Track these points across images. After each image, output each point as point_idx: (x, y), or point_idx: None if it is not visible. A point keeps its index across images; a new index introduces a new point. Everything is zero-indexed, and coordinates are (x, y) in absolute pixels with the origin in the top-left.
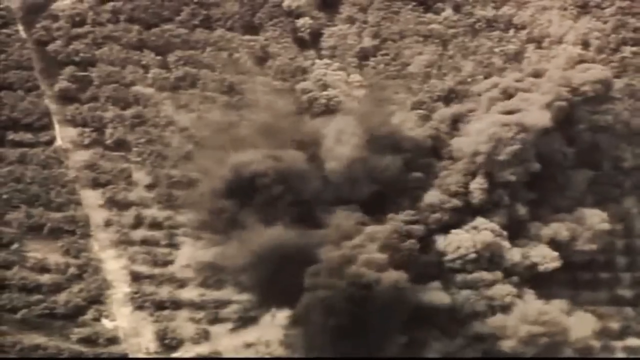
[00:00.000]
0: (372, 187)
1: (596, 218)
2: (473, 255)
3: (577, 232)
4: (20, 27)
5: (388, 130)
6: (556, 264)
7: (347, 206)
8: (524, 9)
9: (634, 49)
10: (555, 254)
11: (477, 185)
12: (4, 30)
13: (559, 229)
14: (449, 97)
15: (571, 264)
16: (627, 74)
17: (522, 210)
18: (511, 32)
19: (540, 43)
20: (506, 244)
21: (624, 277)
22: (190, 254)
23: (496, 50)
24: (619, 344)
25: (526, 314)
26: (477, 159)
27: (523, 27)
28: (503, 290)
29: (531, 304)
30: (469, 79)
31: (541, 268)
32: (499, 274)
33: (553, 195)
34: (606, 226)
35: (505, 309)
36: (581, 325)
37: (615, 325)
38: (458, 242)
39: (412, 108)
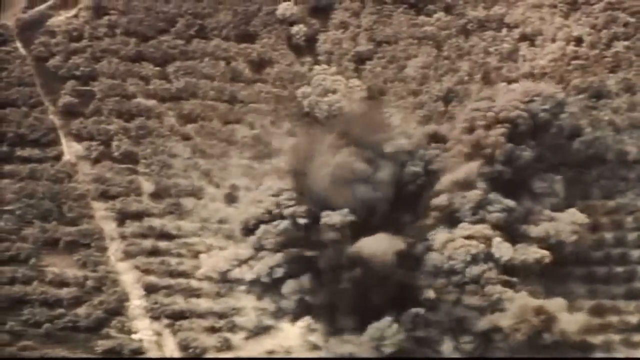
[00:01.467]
0: (365, 192)
1: (578, 216)
2: (470, 256)
3: (562, 229)
4: (18, 44)
5: (379, 136)
6: (547, 260)
7: (340, 211)
8: (514, 8)
9: (626, 43)
10: (546, 252)
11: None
12: (3, 48)
13: (548, 227)
14: (448, 97)
15: (585, 259)
16: (621, 69)
17: (514, 211)
18: (504, 31)
19: (533, 41)
20: (501, 244)
21: (639, 271)
22: (211, 263)
23: (490, 49)
24: (637, 337)
25: (522, 309)
26: None
27: (515, 26)
28: (499, 288)
29: (526, 299)
30: (467, 78)
31: (534, 265)
32: (495, 273)
33: (538, 199)
34: (586, 221)
35: (503, 306)
36: (572, 321)
37: (633, 319)
38: (455, 243)
39: (412, 109)
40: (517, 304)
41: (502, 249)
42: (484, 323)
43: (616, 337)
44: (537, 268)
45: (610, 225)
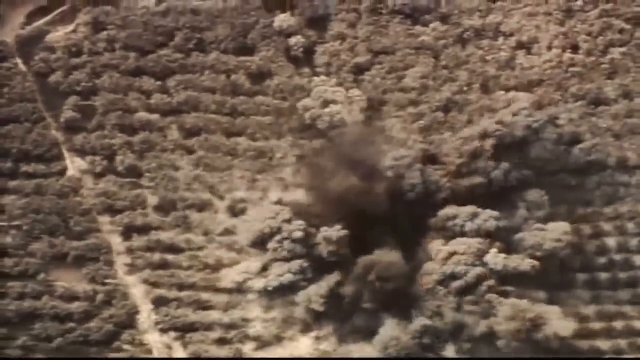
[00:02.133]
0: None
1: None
2: (465, 264)
3: (549, 238)
4: (18, 60)
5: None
6: (535, 268)
7: (332, 227)
8: (509, 16)
9: (622, 49)
10: (535, 262)
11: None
12: (4, 64)
13: (538, 238)
14: (447, 107)
15: (589, 265)
16: (618, 75)
17: (505, 222)
18: (500, 39)
19: (529, 49)
20: (494, 254)
21: None
22: (232, 276)
23: (488, 58)
24: None
25: (514, 313)
26: None
27: (511, 34)
28: (492, 295)
29: (519, 304)
30: (465, 88)
31: (527, 273)
32: (491, 282)
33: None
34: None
35: (497, 312)
36: (564, 326)
37: (638, 323)
38: (454, 257)
39: (412, 119)
40: (510, 310)
41: (496, 259)
42: (481, 327)
43: (623, 342)
44: (532, 276)
45: (612, 231)
